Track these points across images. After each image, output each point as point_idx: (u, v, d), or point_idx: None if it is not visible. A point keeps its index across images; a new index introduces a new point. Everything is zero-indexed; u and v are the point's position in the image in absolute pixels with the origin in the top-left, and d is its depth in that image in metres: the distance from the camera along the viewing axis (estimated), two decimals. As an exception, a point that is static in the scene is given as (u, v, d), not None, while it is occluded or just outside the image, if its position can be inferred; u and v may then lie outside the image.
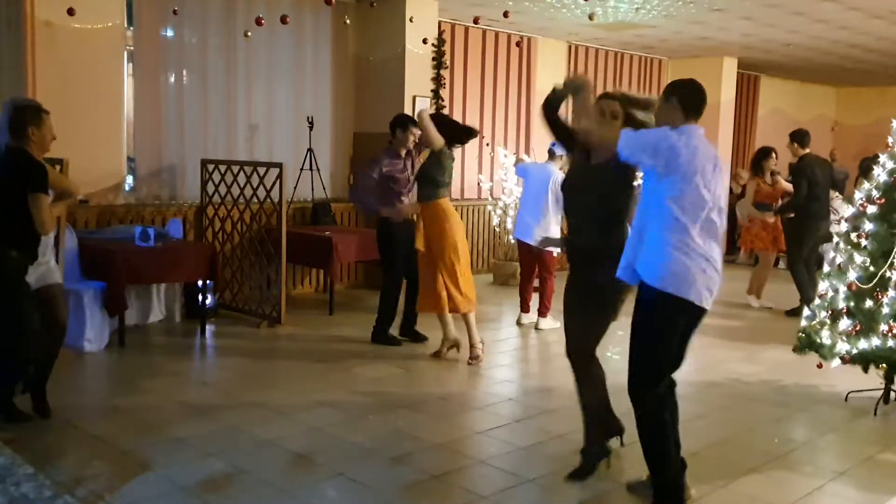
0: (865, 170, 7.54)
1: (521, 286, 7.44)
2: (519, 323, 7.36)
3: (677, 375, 3.63)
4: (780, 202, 8.36)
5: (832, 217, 8.15)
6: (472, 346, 5.97)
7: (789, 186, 8.18)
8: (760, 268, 8.62)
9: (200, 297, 6.72)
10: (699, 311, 3.47)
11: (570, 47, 11.02)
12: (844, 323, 5.01)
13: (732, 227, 10.83)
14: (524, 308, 7.40)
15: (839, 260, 5.22)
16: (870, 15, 8.48)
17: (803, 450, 4.52)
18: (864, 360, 4.99)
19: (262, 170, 6.92)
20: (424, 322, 6.50)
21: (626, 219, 3.86)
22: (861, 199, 5.17)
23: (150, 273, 6.31)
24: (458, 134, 6.18)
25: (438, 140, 5.86)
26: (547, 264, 7.22)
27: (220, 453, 4.13)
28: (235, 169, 7.07)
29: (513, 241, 8.34)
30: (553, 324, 7.23)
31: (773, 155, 8.37)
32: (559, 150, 7.21)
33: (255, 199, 6.95)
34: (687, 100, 3.50)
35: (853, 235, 5.14)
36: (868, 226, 5.04)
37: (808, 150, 7.81)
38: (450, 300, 5.84)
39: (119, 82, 7.01)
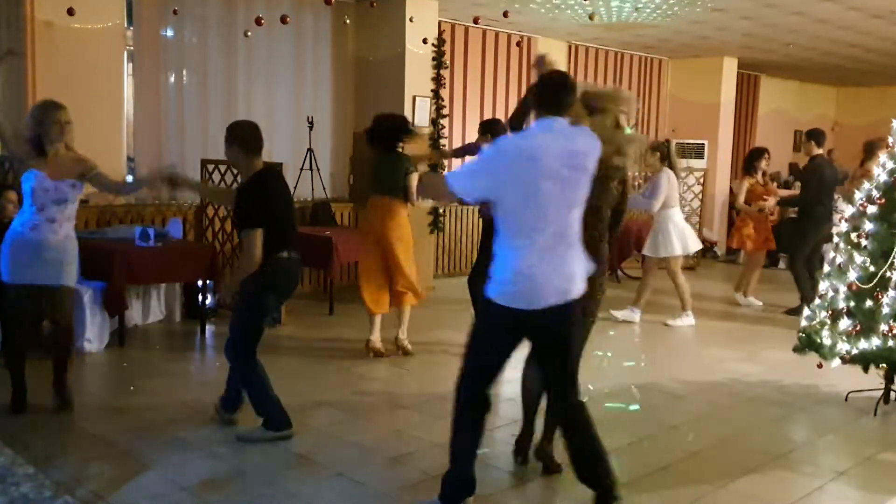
0: (869, 151, 7.55)
1: None
2: None
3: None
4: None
5: (835, 218, 8.15)
6: None
7: (781, 191, 8.21)
8: (749, 267, 8.63)
9: (200, 298, 6.72)
10: None
11: (570, 47, 11.01)
12: (844, 323, 5.00)
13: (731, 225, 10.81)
14: None
15: (839, 260, 5.21)
16: (870, 15, 8.48)
17: (803, 450, 4.52)
18: (864, 360, 4.98)
19: (262, 170, 6.91)
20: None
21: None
22: (861, 199, 5.17)
23: (150, 273, 6.30)
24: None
25: None
26: None
27: (220, 453, 4.13)
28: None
29: None
30: None
31: (766, 156, 8.38)
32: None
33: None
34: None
35: (853, 235, 5.13)
36: (868, 226, 5.03)
37: (821, 151, 7.82)
38: None
39: (119, 82, 7.01)
